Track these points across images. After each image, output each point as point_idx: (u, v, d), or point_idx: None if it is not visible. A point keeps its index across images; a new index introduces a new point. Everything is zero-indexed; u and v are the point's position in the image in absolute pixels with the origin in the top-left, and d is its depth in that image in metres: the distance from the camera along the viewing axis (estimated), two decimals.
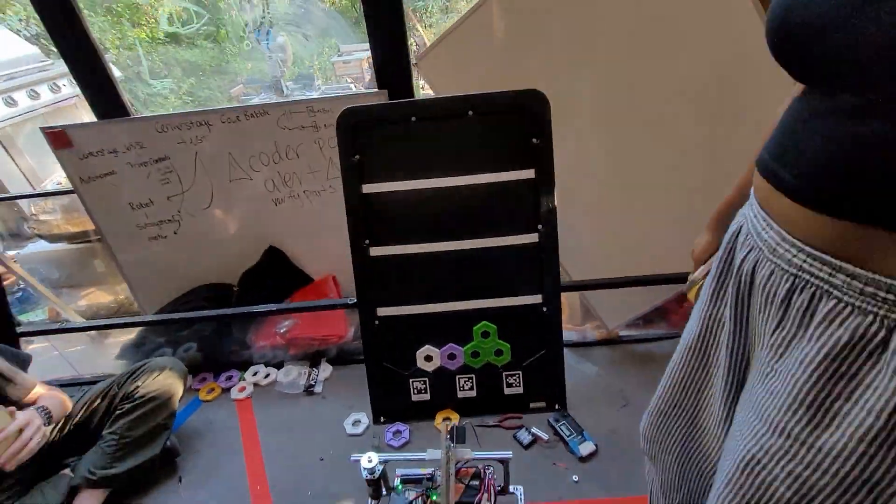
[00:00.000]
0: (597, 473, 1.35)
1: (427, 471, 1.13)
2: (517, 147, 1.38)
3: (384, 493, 1.17)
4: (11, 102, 2.68)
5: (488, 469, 1.13)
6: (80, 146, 1.60)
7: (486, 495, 1.06)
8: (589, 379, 1.66)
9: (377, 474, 1.10)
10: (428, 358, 1.50)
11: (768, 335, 0.55)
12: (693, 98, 1.47)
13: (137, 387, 1.40)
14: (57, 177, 2.58)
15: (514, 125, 1.37)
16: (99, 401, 1.42)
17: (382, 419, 1.56)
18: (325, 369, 1.78)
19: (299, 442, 1.53)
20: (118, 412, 1.38)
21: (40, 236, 2.02)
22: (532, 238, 1.43)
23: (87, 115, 2.98)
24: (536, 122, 1.35)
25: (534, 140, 1.36)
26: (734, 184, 0.81)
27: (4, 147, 2.60)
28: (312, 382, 1.72)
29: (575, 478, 1.34)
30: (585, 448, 1.40)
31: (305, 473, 1.43)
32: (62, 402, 1.33)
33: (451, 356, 1.49)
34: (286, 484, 1.41)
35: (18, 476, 1.28)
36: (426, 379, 1.52)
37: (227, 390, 1.74)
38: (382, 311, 1.48)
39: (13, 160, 2.65)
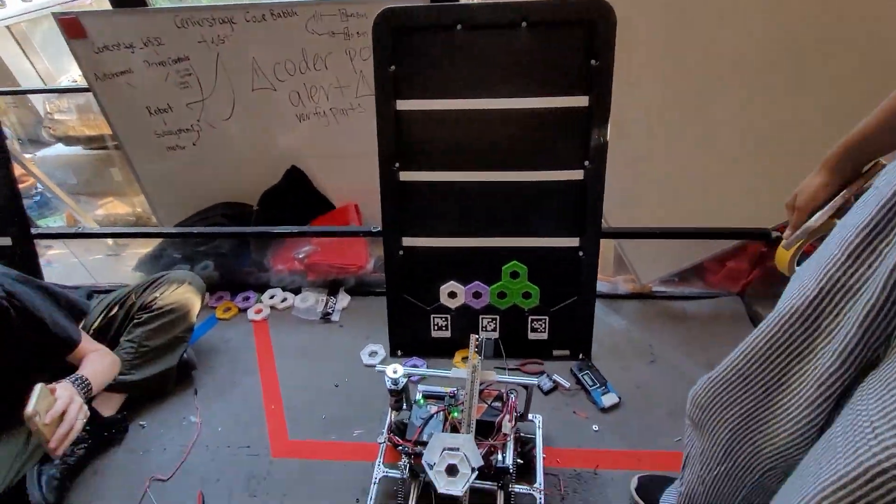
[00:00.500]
0: (618, 425, 1.31)
1: (450, 389, 1.10)
2: (572, 68, 1.22)
3: (405, 407, 1.16)
4: None
5: (511, 393, 1.09)
6: (95, 38, 1.48)
7: (507, 417, 1.02)
8: (616, 332, 1.59)
9: (400, 386, 1.08)
10: (452, 294, 1.43)
11: None
12: (782, 44, 1.28)
13: (155, 298, 1.37)
14: (72, 75, 2.46)
15: (572, 42, 1.20)
16: (116, 308, 1.39)
17: (400, 353, 1.52)
18: (343, 298, 1.73)
19: (315, 367, 1.51)
20: (136, 321, 1.36)
21: (57, 138, 1.95)
22: (576, 175, 1.30)
23: None
24: (599, 39, 1.18)
25: (593, 61, 1.21)
26: (873, 113, 0.64)
27: (19, 44, 2.48)
28: (330, 310, 1.68)
29: (595, 427, 1.30)
30: (608, 399, 1.35)
31: (320, 398, 1.41)
32: (111, 365, 1.23)
33: (477, 294, 1.42)
34: (300, 406, 1.39)
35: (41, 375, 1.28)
36: (448, 316, 1.46)
37: (243, 311, 1.71)
38: (408, 241, 1.40)
39: (28, 59, 2.53)
